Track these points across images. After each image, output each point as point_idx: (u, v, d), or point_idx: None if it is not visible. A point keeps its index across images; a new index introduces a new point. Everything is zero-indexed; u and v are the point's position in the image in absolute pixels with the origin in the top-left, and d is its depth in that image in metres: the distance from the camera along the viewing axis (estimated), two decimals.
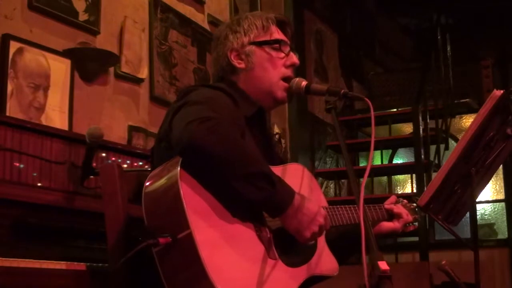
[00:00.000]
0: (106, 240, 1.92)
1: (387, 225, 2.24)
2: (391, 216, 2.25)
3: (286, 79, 2.06)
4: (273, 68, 2.05)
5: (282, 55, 2.07)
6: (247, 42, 2.06)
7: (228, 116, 1.79)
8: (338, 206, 2.05)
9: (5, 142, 2.35)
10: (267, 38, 2.07)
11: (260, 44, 2.06)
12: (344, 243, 2.12)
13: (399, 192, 7.62)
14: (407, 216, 2.26)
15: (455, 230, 2.56)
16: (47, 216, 2.30)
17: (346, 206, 2.06)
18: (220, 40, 2.10)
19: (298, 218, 1.76)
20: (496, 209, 7.39)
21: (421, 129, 5.43)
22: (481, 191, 2.69)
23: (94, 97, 3.53)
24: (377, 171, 6.20)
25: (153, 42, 4.00)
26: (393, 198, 2.33)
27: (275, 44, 2.07)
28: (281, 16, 2.15)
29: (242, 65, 2.06)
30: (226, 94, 1.91)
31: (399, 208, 2.26)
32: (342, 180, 6.57)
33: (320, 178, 6.16)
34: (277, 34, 2.09)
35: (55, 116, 3.22)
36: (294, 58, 2.09)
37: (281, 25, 2.13)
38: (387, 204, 2.27)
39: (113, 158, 2.74)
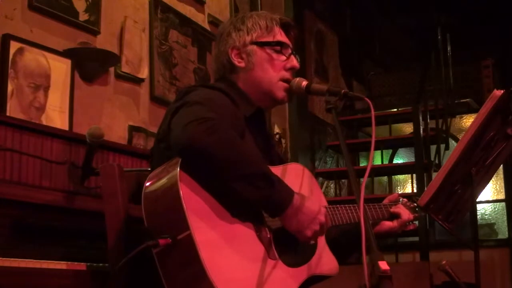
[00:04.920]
0: (106, 240, 1.92)
1: (385, 224, 2.23)
2: (392, 215, 2.25)
3: (285, 80, 2.06)
4: (273, 70, 2.05)
5: (283, 58, 2.07)
6: (249, 41, 2.06)
7: (227, 117, 1.79)
8: (338, 205, 2.05)
9: (5, 142, 2.35)
10: (269, 39, 2.07)
11: (261, 44, 2.06)
12: (344, 242, 2.12)
13: (399, 192, 7.62)
14: (406, 215, 2.24)
15: (455, 230, 2.56)
16: (47, 216, 2.30)
17: (346, 205, 2.06)
18: (223, 36, 2.10)
19: (298, 217, 1.76)
20: (496, 209, 7.39)
21: (421, 129, 5.43)
22: (481, 191, 2.69)
23: (94, 97, 3.53)
24: (377, 171, 6.20)
25: (153, 42, 4.00)
26: (393, 196, 2.32)
27: (276, 46, 2.07)
28: (286, 18, 2.15)
29: (242, 64, 2.06)
30: (225, 94, 1.91)
31: (398, 208, 2.25)
32: (343, 180, 6.57)
33: (321, 178, 6.16)
34: (280, 36, 2.09)
35: (55, 116, 3.22)
36: (294, 62, 2.09)
37: (285, 27, 2.12)
38: (388, 205, 2.26)
39: (113, 158, 2.74)
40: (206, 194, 1.70)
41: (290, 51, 2.09)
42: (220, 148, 1.66)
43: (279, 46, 2.07)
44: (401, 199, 2.33)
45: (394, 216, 2.24)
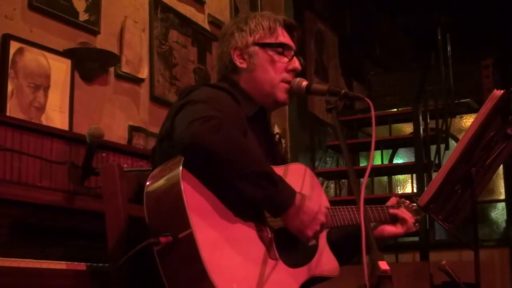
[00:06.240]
0: (106, 240, 1.92)
1: (389, 229, 2.23)
2: (395, 219, 2.24)
3: (286, 82, 2.06)
4: (274, 71, 2.05)
5: (285, 59, 2.07)
6: (251, 42, 2.06)
7: (230, 116, 1.79)
8: (339, 206, 2.04)
9: (5, 142, 2.35)
10: (272, 40, 2.07)
11: (264, 45, 2.06)
12: (346, 244, 2.12)
13: (399, 192, 7.62)
14: (411, 219, 2.25)
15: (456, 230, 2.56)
16: (47, 216, 2.30)
17: (348, 206, 2.06)
18: (226, 37, 2.10)
19: (300, 217, 1.76)
20: (496, 209, 7.39)
21: (421, 129, 5.43)
22: (481, 191, 2.69)
23: (94, 97, 3.53)
24: (377, 171, 6.20)
25: (153, 42, 4.00)
26: (394, 199, 2.32)
27: (278, 47, 2.06)
28: (289, 19, 2.15)
29: (244, 65, 2.06)
30: (228, 93, 1.91)
31: (404, 213, 2.25)
32: (343, 180, 6.57)
33: (321, 178, 6.16)
34: (283, 37, 2.09)
35: (55, 116, 3.22)
36: (296, 63, 2.08)
37: (288, 28, 2.12)
38: (391, 207, 2.26)
39: (113, 158, 2.74)
40: (208, 193, 1.70)
41: (292, 52, 2.08)
42: (223, 147, 1.66)
43: (281, 48, 2.07)
44: (403, 202, 2.32)
45: (398, 220, 2.24)
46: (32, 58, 3.13)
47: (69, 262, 2.23)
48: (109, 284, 2.02)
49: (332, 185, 6.50)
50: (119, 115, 3.70)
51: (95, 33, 3.55)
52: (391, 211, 2.24)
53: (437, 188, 2.37)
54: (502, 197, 7.04)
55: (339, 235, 2.12)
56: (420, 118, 5.44)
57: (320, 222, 1.80)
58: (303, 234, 1.79)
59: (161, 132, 1.94)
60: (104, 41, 3.61)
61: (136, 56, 3.83)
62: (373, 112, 1.83)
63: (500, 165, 2.75)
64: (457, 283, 2.53)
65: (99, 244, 2.26)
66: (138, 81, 3.86)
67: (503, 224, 7.08)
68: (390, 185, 6.77)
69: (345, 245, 2.11)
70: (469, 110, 6.70)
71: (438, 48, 6.28)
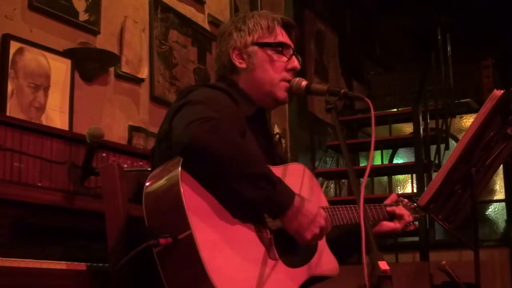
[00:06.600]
0: (106, 240, 1.92)
1: (387, 224, 2.23)
2: (392, 216, 2.25)
3: (286, 81, 2.06)
4: (274, 71, 2.05)
5: (284, 58, 2.06)
6: (250, 42, 2.05)
7: (228, 116, 1.79)
8: (338, 206, 2.04)
9: (5, 142, 2.35)
10: (271, 39, 2.07)
11: (262, 45, 2.05)
12: (345, 242, 2.12)
13: (399, 192, 7.62)
14: (408, 217, 2.25)
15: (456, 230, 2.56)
16: (47, 216, 2.30)
17: (347, 206, 2.06)
18: (224, 37, 2.09)
19: (298, 219, 1.76)
20: (496, 209, 7.39)
21: (421, 129, 5.44)
22: (481, 191, 2.69)
23: (94, 97, 3.53)
24: (377, 171, 6.20)
25: (153, 42, 4.00)
26: (393, 197, 2.32)
27: (277, 47, 2.06)
28: (287, 18, 2.15)
29: (243, 65, 2.05)
30: (226, 94, 1.91)
31: (400, 209, 2.25)
32: (343, 180, 6.57)
33: (321, 178, 6.16)
34: (281, 37, 2.09)
35: (55, 116, 3.22)
36: (295, 63, 2.08)
37: (287, 27, 2.12)
38: (389, 205, 2.27)
39: (113, 158, 2.74)
40: (207, 194, 1.70)
41: (291, 51, 2.08)
42: (222, 147, 1.66)
43: (280, 47, 2.07)
44: (401, 200, 2.33)
45: (395, 217, 2.24)
46: (32, 58, 3.13)
47: (69, 262, 2.23)
48: (109, 284, 2.02)
49: (332, 185, 6.50)
50: (119, 115, 3.70)
51: (95, 33, 3.55)
52: (388, 209, 2.24)
53: (437, 188, 2.38)
54: (502, 197, 7.04)
55: (338, 233, 2.12)
56: (420, 118, 5.44)
57: (319, 225, 1.79)
58: (301, 237, 1.78)
59: (160, 133, 1.94)
60: (104, 41, 3.61)
61: (136, 56, 3.83)
62: (373, 112, 1.83)
63: (500, 165, 2.75)
64: (457, 283, 2.53)
65: (99, 244, 2.26)
66: (138, 81, 3.86)
67: (503, 224, 7.09)
68: (390, 185, 6.77)
69: (344, 243, 2.11)
70: (469, 110, 6.70)
71: (438, 48, 6.29)
